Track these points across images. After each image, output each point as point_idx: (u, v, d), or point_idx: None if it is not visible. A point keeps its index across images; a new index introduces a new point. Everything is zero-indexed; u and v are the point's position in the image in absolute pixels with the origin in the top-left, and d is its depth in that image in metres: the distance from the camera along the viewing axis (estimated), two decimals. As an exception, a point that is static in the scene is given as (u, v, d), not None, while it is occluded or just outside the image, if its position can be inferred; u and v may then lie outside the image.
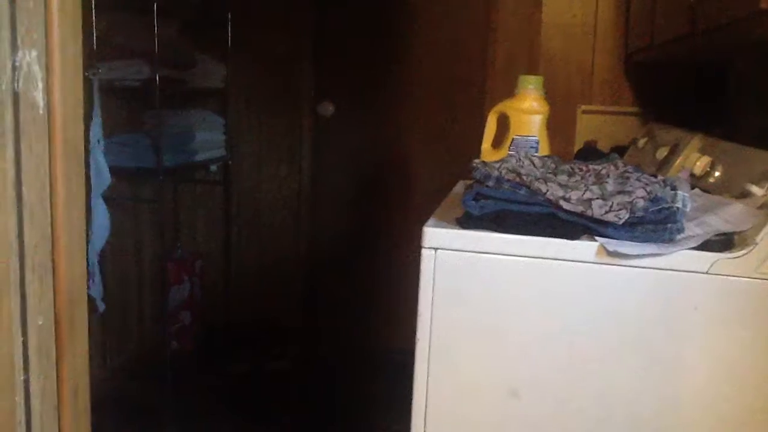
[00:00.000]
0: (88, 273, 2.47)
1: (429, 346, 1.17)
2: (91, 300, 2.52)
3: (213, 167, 3.19)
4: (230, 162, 3.15)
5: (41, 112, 0.79)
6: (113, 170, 2.47)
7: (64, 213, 0.80)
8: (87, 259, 2.41)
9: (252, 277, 3.41)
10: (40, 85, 0.78)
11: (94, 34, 2.42)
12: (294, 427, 2.60)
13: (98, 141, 2.35)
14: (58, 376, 0.79)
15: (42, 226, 0.78)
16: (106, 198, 2.44)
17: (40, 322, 0.76)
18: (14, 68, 0.74)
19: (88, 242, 2.42)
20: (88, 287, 2.44)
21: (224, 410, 2.67)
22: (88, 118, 2.39)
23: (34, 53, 0.77)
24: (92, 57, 2.42)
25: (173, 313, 3.06)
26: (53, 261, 0.79)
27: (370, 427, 2.57)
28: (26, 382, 0.74)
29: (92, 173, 2.37)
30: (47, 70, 0.79)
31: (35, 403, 0.75)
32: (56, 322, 0.78)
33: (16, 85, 0.75)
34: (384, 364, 2.99)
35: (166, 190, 2.89)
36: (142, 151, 2.61)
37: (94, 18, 2.38)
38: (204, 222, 3.37)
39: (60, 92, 0.79)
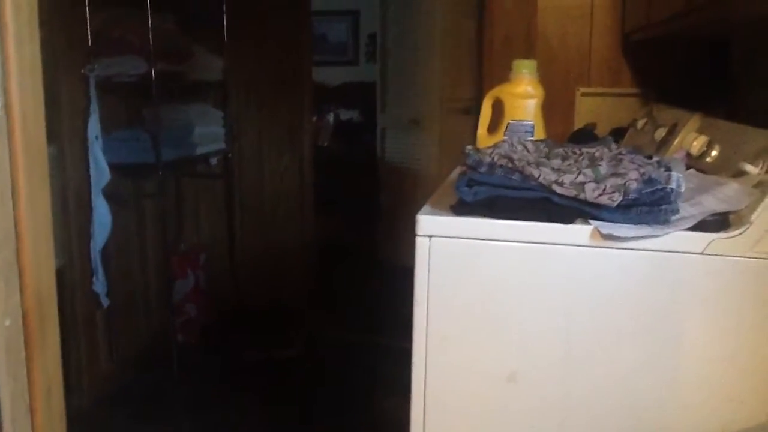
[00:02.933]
0: (92, 269, 2.49)
1: (426, 333, 1.16)
2: (95, 296, 2.54)
3: (213, 160, 3.20)
4: (230, 155, 3.15)
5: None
6: (114, 167, 2.48)
7: (27, 212, 0.79)
8: (89, 255, 2.42)
9: (257, 268, 3.42)
10: None
11: (89, 31, 2.41)
12: (304, 414, 2.62)
13: (96, 137, 2.35)
14: (29, 378, 0.78)
15: (4, 226, 0.77)
16: (107, 194, 2.45)
17: (7, 323, 0.76)
18: None
19: (89, 239, 2.44)
20: (92, 283, 2.46)
21: (234, 400, 2.68)
22: (85, 116, 2.39)
23: None
24: (88, 54, 2.42)
25: (179, 306, 3.07)
26: (18, 260, 0.79)
27: (378, 411, 2.58)
28: None
29: (91, 170, 2.38)
30: (3, 70, 0.78)
31: (5, 405, 0.74)
32: (24, 323, 0.78)
33: None
34: (390, 350, 2.99)
35: (167, 184, 2.90)
36: (142, 147, 2.62)
37: (88, 14, 2.38)
38: (206, 215, 3.38)
39: (18, 92, 0.79)
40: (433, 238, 1.14)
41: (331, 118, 5.27)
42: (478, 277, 1.12)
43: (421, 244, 1.15)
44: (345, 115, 5.39)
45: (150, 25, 2.44)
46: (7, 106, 0.77)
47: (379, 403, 2.61)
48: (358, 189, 4.65)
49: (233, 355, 3.05)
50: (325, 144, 5.09)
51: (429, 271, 1.15)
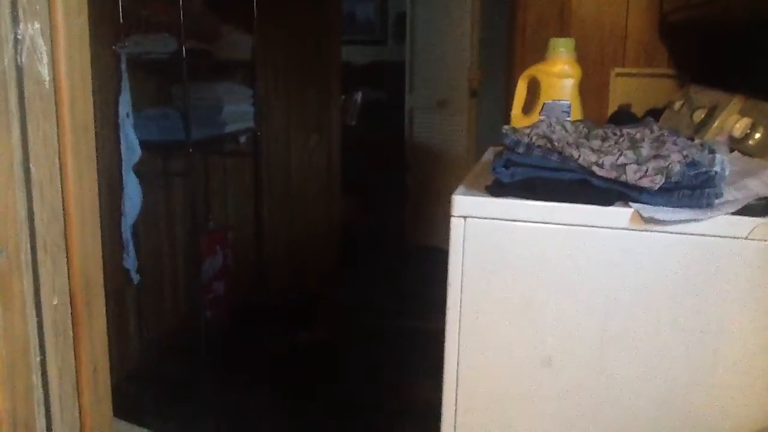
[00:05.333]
0: (122, 246, 2.51)
1: (459, 316, 1.15)
2: (125, 272, 2.57)
3: (242, 139, 3.20)
4: (259, 133, 3.15)
5: (47, 86, 0.77)
6: (143, 144, 2.49)
7: (75, 190, 0.79)
8: (120, 232, 2.44)
9: (284, 246, 3.43)
10: (45, 58, 0.76)
11: (121, 8, 2.41)
12: (332, 398, 2.63)
13: (127, 115, 2.36)
14: (76, 358, 0.78)
15: (53, 205, 0.76)
16: (138, 172, 2.46)
17: (55, 302, 0.76)
18: (16, 42, 0.72)
19: (120, 216, 2.46)
20: (123, 259, 2.49)
21: (260, 383, 2.71)
22: (116, 92, 2.40)
23: (37, 25, 0.75)
24: (119, 31, 2.42)
25: (207, 284, 3.10)
26: (66, 241, 0.78)
27: (408, 395, 2.59)
28: (42, 362, 0.74)
29: (122, 147, 2.39)
30: (52, 42, 0.77)
31: (53, 383, 0.75)
32: (72, 303, 0.78)
33: (19, 59, 0.73)
34: (419, 332, 2.99)
35: (196, 162, 2.90)
36: (172, 125, 2.62)
37: (120, -9, 2.38)
38: (235, 193, 3.39)
39: (66, 65, 0.78)
40: (468, 219, 1.12)
41: (358, 97, 5.25)
42: (514, 260, 1.11)
43: (456, 225, 1.13)
44: (372, 94, 5.36)
45: (180, 3, 2.44)
46: (56, 81, 0.77)
47: (409, 386, 2.62)
48: (385, 169, 4.63)
49: (260, 336, 3.07)
50: (353, 123, 5.07)
51: (463, 252, 1.13)
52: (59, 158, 0.78)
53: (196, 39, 2.64)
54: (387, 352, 2.97)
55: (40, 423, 0.75)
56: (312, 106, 3.39)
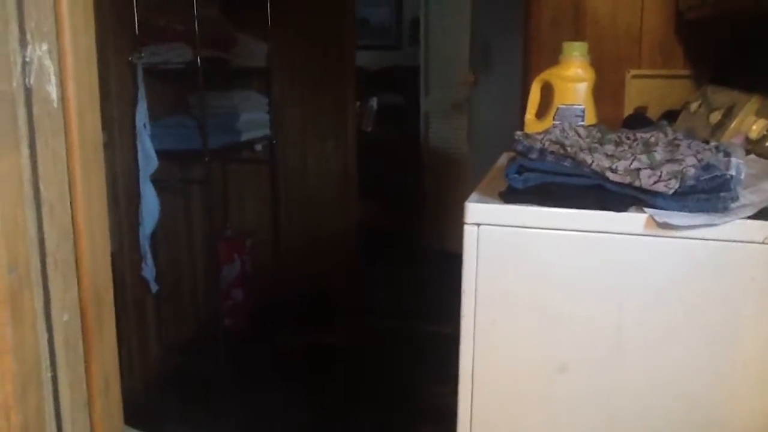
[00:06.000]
0: (140, 255, 2.54)
1: (474, 323, 1.15)
2: (144, 281, 2.59)
3: (258, 146, 3.22)
4: (275, 141, 3.17)
5: (55, 106, 0.78)
6: (161, 153, 2.51)
7: (84, 208, 0.79)
8: (138, 241, 2.46)
9: (301, 253, 3.44)
10: (53, 79, 0.77)
11: (136, 19, 2.44)
12: (348, 401, 2.64)
13: (144, 125, 2.39)
14: (87, 372, 0.79)
15: (62, 222, 0.77)
16: (155, 181, 2.49)
17: (66, 318, 0.77)
18: (24, 63, 0.73)
19: (138, 225, 2.48)
20: (141, 269, 2.51)
21: (279, 386, 2.72)
22: (133, 103, 2.43)
23: (44, 47, 0.76)
24: (135, 41, 2.45)
25: (225, 291, 3.12)
26: (76, 257, 0.79)
27: (423, 398, 2.58)
28: (54, 378, 0.75)
29: (140, 157, 2.41)
30: (60, 63, 0.78)
31: (64, 398, 0.75)
32: (82, 318, 0.79)
33: (27, 80, 0.74)
34: (435, 336, 2.99)
35: (213, 170, 2.93)
36: (189, 133, 2.64)
37: (135, 2, 2.41)
38: (252, 201, 3.41)
39: (74, 85, 0.79)
40: (481, 227, 1.12)
41: (374, 102, 5.25)
42: (528, 267, 1.10)
43: (470, 233, 1.13)
44: (388, 99, 5.36)
45: (195, 13, 2.46)
46: (64, 100, 0.78)
47: (426, 389, 2.61)
48: (401, 174, 4.63)
49: (278, 341, 3.08)
50: (369, 129, 5.08)
51: (477, 259, 1.13)
52: (69, 176, 0.79)
53: (211, 48, 2.66)
54: (404, 356, 2.96)
55: (52, 437, 0.76)
56: (327, 112, 3.40)
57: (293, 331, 3.16)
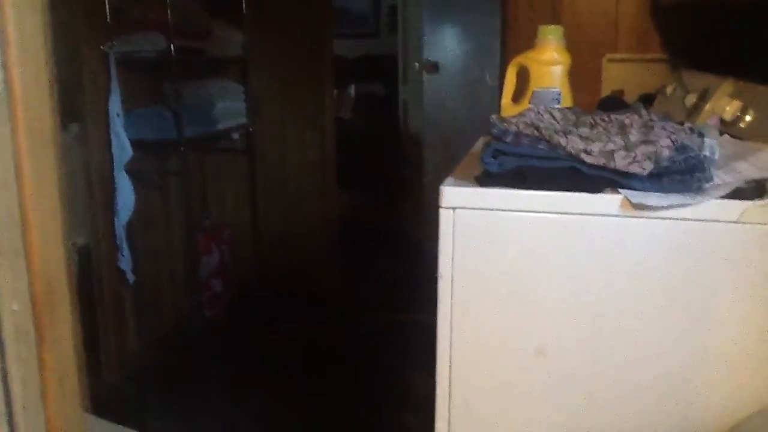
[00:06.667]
0: (117, 246, 2.51)
1: (451, 307, 1.15)
2: (121, 272, 2.56)
3: (235, 136, 3.18)
4: (252, 130, 3.14)
5: (0, 90, 0.74)
6: (136, 143, 2.48)
7: (33, 195, 0.76)
8: (114, 233, 2.44)
9: (281, 243, 3.43)
10: None
11: (108, 7, 2.40)
12: (332, 393, 2.63)
13: (117, 115, 2.35)
14: (40, 365, 0.76)
15: (8, 208, 0.74)
16: (131, 171, 2.46)
17: (15, 308, 0.74)
18: None
19: (114, 216, 2.45)
20: (118, 260, 2.48)
21: (261, 379, 2.70)
22: (106, 92, 2.39)
23: None
24: (108, 31, 2.41)
25: (205, 282, 3.09)
26: (25, 245, 0.76)
27: (405, 389, 2.58)
28: (3, 370, 0.72)
29: (114, 147, 2.38)
30: (3, 43, 0.74)
31: (16, 392, 0.73)
32: (34, 309, 0.76)
33: None
34: (417, 326, 2.99)
35: (189, 160, 2.90)
36: (164, 123, 2.61)
37: (106, -10, 2.37)
38: (230, 191, 3.38)
39: (19, 68, 0.75)
40: (457, 210, 1.11)
41: (352, 90, 5.23)
42: (504, 250, 1.10)
43: (445, 217, 1.12)
44: (367, 87, 5.34)
45: (168, 1, 2.42)
46: (8, 81, 0.74)
47: (408, 378, 2.61)
48: (380, 162, 4.62)
49: (259, 333, 3.07)
50: (347, 117, 5.06)
51: (453, 244, 1.12)
52: (15, 161, 0.75)
53: (186, 37, 2.63)
54: (386, 345, 2.96)
55: (3, 434, 0.74)
56: (305, 100, 3.38)
57: (274, 323, 3.15)
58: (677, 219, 1.00)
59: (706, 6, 2.03)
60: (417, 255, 3.66)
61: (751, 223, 0.98)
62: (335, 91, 4.21)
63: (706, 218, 0.99)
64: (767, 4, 1.82)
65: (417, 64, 4.19)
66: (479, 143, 1.53)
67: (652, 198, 0.98)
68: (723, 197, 0.98)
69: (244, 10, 3.01)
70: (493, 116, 1.18)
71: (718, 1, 1.95)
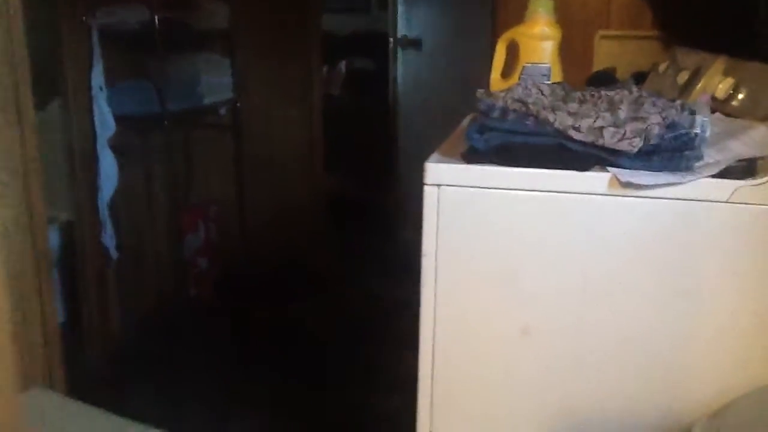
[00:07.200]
0: (100, 222, 2.47)
1: (435, 286, 1.12)
2: (104, 249, 2.52)
3: (222, 111, 3.13)
4: (239, 104, 3.08)
5: None
6: (119, 118, 2.43)
7: None
8: (97, 209, 2.40)
9: (268, 221, 3.39)
10: None
11: (89, -22, 2.34)
12: (317, 370, 2.61)
13: (100, 88, 2.30)
14: None
15: None
16: (114, 146, 2.41)
17: None
18: None
19: (97, 192, 2.41)
20: (101, 236, 2.44)
21: (246, 358, 2.68)
22: (88, 65, 2.34)
23: None
24: (88, 2, 2.35)
25: (190, 259, 3.06)
26: None
27: (391, 366, 2.57)
28: None
29: (96, 121, 2.33)
30: None
31: None
32: None
33: None
34: (404, 305, 2.97)
35: (174, 136, 2.84)
36: (147, 97, 2.56)
37: (87, -40, 2.30)
38: (216, 167, 3.33)
39: None
40: (441, 187, 1.09)
41: (342, 67, 5.16)
42: (490, 228, 1.08)
43: (430, 194, 1.10)
44: (357, 63, 5.26)
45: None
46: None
47: (394, 355, 2.60)
48: (371, 140, 4.57)
49: (245, 312, 3.04)
50: (336, 93, 5.00)
51: (438, 221, 1.10)
52: None
53: (170, 8, 2.57)
54: (372, 323, 2.95)
55: None
56: (293, 76, 3.33)
57: (260, 301, 3.12)
58: (667, 198, 0.98)
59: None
60: (404, 231, 3.63)
61: (741, 203, 0.96)
62: (325, 68, 4.15)
63: (697, 198, 0.97)
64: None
65: (391, 39, 4.13)
66: (466, 120, 1.49)
67: (641, 177, 0.95)
68: (713, 176, 0.96)
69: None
70: (480, 91, 1.15)
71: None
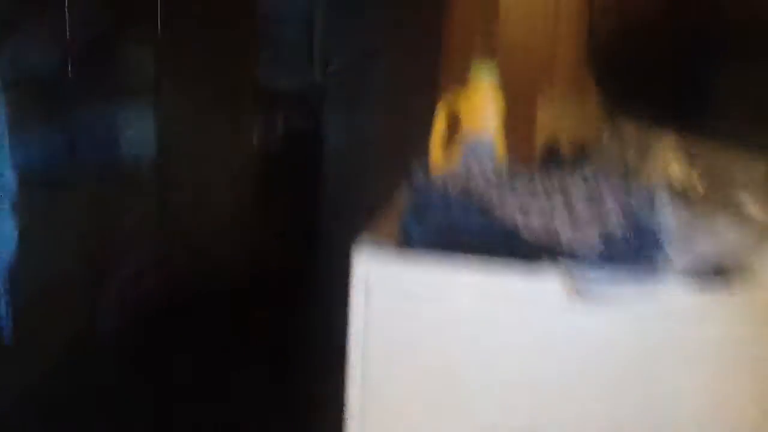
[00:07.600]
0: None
1: (362, 385, 0.97)
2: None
3: (141, 167, 2.93)
4: (161, 161, 2.90)
5: None
6: (24, 173, 2.22)
7: None
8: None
9: (190, 282, 3.18)
10: None
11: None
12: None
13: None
14: None
15: None
16: (15, 206, 2.19)
17: None
18: None
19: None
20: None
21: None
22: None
23: None
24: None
25: (106, 323, 2.82)
26: None
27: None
28: None
29: (-8, 179, 2.12)
30: None
31: None
32: None
33: None
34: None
35: (89, 190, 2.63)
36: (59, 150, 2.37)
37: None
38: (135, 225, 3.11)
39: None
40: (371, 280, 0.94)
41: (279, 123, 5.06)
42: (428, 329, 0.94)
43: (358, 287, 0.95)
44: (293, 121, 5.18)
45: (67, 15, 2.21)
46: None
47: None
48: (302, 202, 4.44)
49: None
50: (272, 151, 4.88)
51: (366, 318, 0.95)
52: None
53: (88, 53, 2.40)
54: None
55: None
56: (223, 132, 3.17)
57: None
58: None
59: (644, 54, 1.97)
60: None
61: (712, 311, 0.85)
62: (259, 119, 4.01)
63: (663, 304, 0.85)
64: (709, 44, 1.76)
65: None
66: (401, 197, 1.37)
67: (600, 283, 0.83)
68: (681, 281, 0.85)
69: (159, 28, 2.79)
70: (417, 168, 1.02)
71: (654, 41, 1.88)
